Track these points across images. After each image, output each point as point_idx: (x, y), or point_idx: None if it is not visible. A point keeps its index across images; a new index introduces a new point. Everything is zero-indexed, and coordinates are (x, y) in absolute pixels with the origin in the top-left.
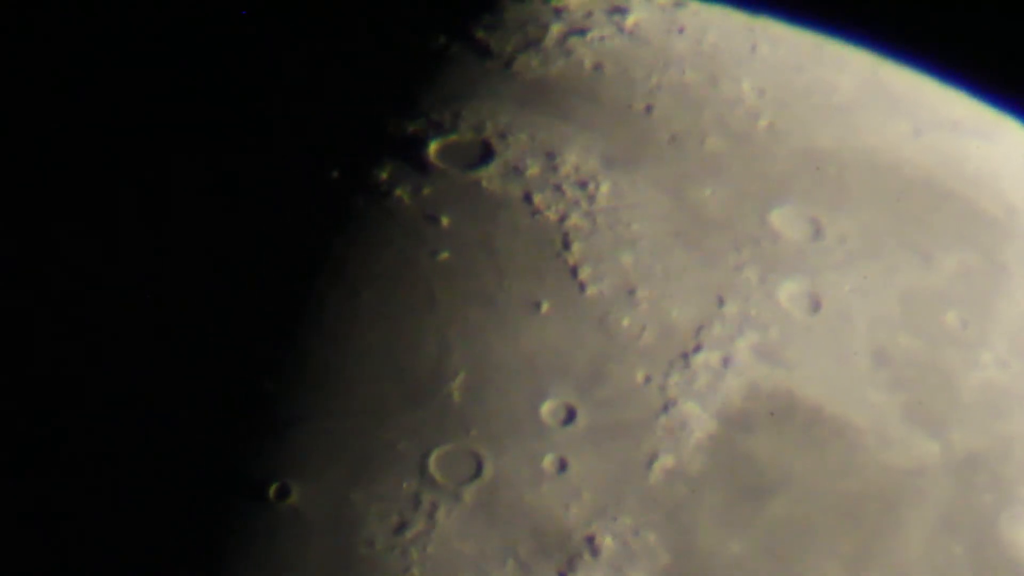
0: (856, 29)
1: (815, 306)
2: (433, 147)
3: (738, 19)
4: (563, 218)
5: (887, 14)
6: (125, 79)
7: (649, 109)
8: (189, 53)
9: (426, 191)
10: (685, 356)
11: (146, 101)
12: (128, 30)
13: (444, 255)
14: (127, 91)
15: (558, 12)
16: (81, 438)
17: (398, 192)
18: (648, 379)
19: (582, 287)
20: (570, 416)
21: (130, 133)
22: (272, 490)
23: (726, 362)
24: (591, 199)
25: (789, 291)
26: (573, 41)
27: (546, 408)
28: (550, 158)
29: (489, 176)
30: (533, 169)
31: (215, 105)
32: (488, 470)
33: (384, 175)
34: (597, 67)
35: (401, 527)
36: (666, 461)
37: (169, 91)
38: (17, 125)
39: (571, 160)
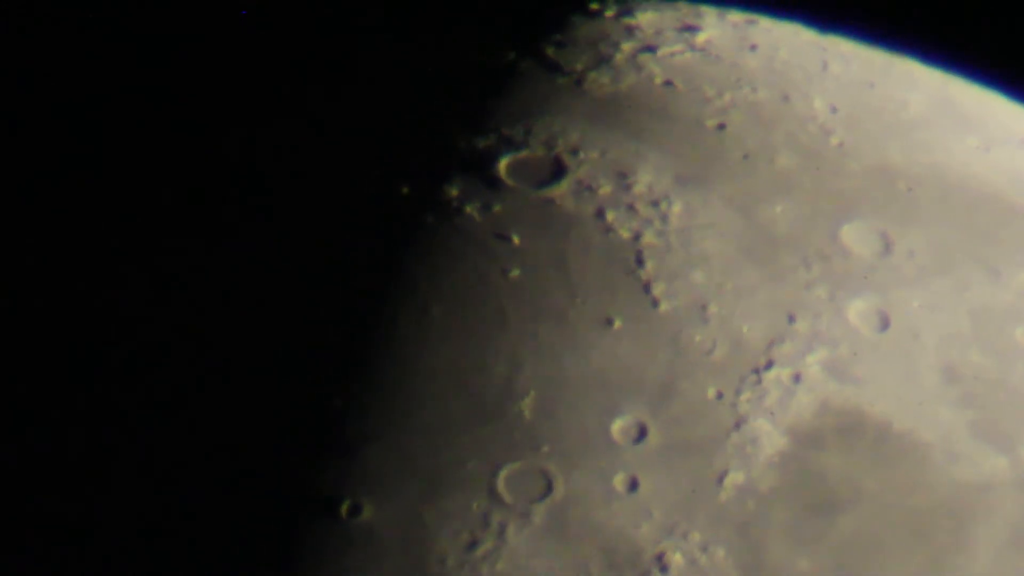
0: (926, 47)
1: (884, 323)
2: (504, 163)
3: (809, 37)
4: (636, 236)
5: (957, 32)
6: (187, 92)
7: (722, 127)
8: (260, 67)
9: (497, 208)
10: (756, 372)
11: (213, 117)
12: (187, 41)
13: (515, 272)
14: (190, 104)
15: (629, 29)
16: (154, 456)
17: (468, 209)
18: (720, 396)
19: (655, 303)
20: (641, 434)
21: (198, 149)
22: (344, 508)
23: (797, 379)
24: (664, 218)
25: (858, 308)
26: (644, 58)
27: (617, 426)
28: (622, 176)
29: (561, 194)
30: (605, 187)
31: (285, 121)
32: (559, 488)
33: (455, 192)
34: (668, 84)
35: (472, 544)
36: (736, 477)
37: (237, 105)
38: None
39: (644, 179)
